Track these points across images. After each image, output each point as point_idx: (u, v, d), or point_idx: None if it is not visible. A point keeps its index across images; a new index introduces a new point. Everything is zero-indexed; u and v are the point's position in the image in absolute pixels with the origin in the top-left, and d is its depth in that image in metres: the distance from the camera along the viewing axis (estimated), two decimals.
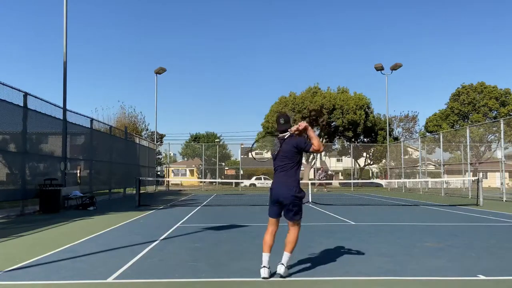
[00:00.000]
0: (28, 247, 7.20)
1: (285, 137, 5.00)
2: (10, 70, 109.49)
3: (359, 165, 51.00)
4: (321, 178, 31.79)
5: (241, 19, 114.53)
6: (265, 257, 4.90)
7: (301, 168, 5.27)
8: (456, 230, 9.49)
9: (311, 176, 44.05)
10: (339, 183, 45.15)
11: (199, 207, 16.03)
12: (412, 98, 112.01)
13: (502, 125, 21.05)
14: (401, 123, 52.13)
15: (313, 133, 5.04)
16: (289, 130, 4.99)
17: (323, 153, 56.33)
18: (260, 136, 44.91)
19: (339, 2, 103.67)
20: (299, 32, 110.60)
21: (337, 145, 47.98)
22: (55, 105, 15.22)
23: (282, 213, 5.04)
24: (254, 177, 47.66)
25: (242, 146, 51.70)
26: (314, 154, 43.67)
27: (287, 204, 4.92)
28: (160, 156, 49.05)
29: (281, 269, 4.86)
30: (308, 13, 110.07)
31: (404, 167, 32.28)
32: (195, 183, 48.36)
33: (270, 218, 5.09)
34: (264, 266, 4.85)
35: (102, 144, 21.13)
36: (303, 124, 4.99)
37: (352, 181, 39.17)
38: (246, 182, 44.45)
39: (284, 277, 4.87)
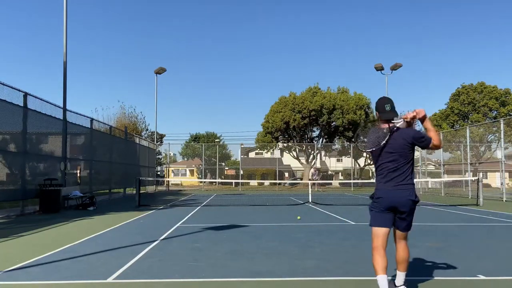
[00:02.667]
0: (28, 247, 7.20)
1: (396, 127, 4.04)
2: (10, 70, 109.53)
3: (359, 165, 50.99)
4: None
5: (241, 19, 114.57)
6: (385, 280, 3.92)
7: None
8: (456, 230, 9.48)
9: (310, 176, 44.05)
10: (339, 183, 45.15)
11: (199, 207, 16.03)
12: (412, 98, 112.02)
13: (502, 125, 21.05)
14: None
15: (431, 125, 4.06)
16: (402, 117, 4.05)
17: (323, 153, 56.41)
18: (260, 135, 44.87)
19: (340, 3, 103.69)
20: (299, 32, 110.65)
21: (337, 145, 47.97)
22: (55, 105, 15.23)
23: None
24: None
25: (242, 146, 51.73)
26: (315, 154, 43.68)
27: (404, 211, 3.99)
28: (160, 156, 49.06)
29: None
30: (308, 13, 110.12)
31: None
32: (195, 183, 48.36)
33: (380, 228, 4.02)
34: None
35: (102, 144, 21.13)
36: (422, 111, 4.01)
37: (352, 181, 39.16)
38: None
39: None
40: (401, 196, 3.96)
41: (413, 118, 4.05)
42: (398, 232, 4.14)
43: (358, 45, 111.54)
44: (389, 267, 4.11)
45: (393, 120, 4.09)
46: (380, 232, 4.03)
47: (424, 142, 4.01)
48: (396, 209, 4.00)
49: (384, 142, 4.01)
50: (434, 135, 3.99)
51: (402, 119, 4.07)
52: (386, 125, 4.08)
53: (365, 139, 4.27)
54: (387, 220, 4.04)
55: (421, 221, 11.25)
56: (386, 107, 4.12)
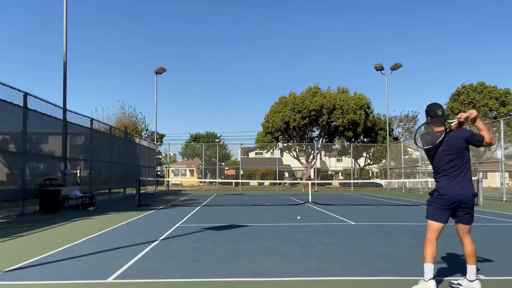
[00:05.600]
0: (28, 247, 7.20)
1: (450, 127, 4.42)
2: (10, 70, 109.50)
3: (359, 165, 51.00)
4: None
5: (241, 19, 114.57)
6: (431, 268, 4.38)
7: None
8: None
9: (311, 175, 44.02)
10: (339, 183, 45.16)
11: (199, 207, 16.03)
12: (412, 98, 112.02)
13: (502, 125, 21.05)
14: (401, 123, 52.13)
15: (483, 124, 4.38)
16: (457, 117, 4.40)
17: (323, 153, 56.42)
18: (260, 135, 44.86)
19: (340, 3, 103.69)
20: (299, 32, 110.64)
21: (337, 145, 47.99)
22: (55, 105, 15.22)
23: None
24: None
25: (242, 146, 51.74)
26: (315, 154, 43.68)
27: (467, 206, 4.39)
28: (160, 156, 49.05)
29: (479, 285, 4.34)
30: (308, 13, 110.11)
31: (404, 167, 32.28)
32: (195, 183, 48.35)
33: (437, 223, 4.44)
34: (432, 278, 4.33)
35: (102, 144, 21.13)
36: (473, 112, 4.32)
37: (352, 181, 39.20)
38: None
39: None
40: (465, 193, 4.33)
41: (466, 118, 4.37)
42: (462, 227, 4.51)
43: (358, 45, 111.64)
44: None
45: (448, 120, 4.43)
46: (436, 226, 4.43)
47: (478, 141, 4.31)
48: (459, 205, 4.38)
49: (438, 141, 4.35)
50: (486, 134, 4.27)
51: (456, 119, 4.41)
52: (440, 128, 4.40)
53: (419, 139, 4.70)
54: (445, 216, 4.44)
55: (421, 221, 11.26)
56: (438, 112, 4.45)
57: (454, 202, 4.36)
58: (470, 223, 4.51)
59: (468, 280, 4.35)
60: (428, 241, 4.44)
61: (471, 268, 4.36)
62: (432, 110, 4.45)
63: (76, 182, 17.66)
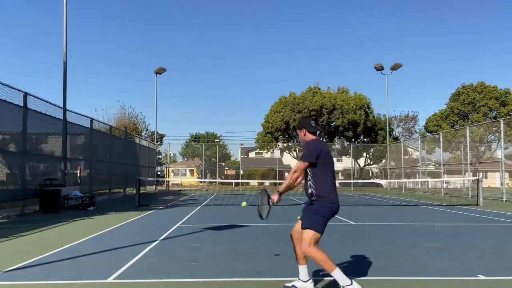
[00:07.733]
0: (28, 247, 7.20)
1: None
2: (10, 70, 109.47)
3: (359, 165, 50.97)
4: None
5: (241, 18, 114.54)
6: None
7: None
8: (456, 230, 9.48)
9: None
10: (339, 183, 45.16)
11: (199, 207, 16.03)
12: (412, 98, 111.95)
13: (502, 125, 21.06)
14: (401, 123, 52.10)
15: (284, 186, 4.71)
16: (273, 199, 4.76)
17: None
18: (260, 135, 44.86)
19: (339, 2, 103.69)
20: (299, 32, 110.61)
21: (337, 145, 47.97)
22: (55, 105, 15.24)
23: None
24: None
25: (242, 146, 51.77)
26: None
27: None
28: (160, 156, 49.05)
29: (313, 285, 4.54)
30: (308, 13, 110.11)
31: (404, 167, 32.28)
32: (195, 183, 48.35)
33: (320, 236, 4.42)
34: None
35: (102, 144, 21.14)
36: (274, 199, 4.80)
37: (352, 181, 39.17)
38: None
39: None
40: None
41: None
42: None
43: (358, 45, 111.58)
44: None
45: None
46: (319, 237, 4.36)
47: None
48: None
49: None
50: (290, 178, 4.51)
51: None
52: (314, 137, 4.49)
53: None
54: None
55: (421, 221, 11.26)
56: (312, 123, 4.60)
57: (335, 213, 4.45)
58: None
59: (302, 281, 4.41)
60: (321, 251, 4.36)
61: (303, 268, 4.43)
62: (307, 123, 4.57)
63: (76, 182, 17.67)
